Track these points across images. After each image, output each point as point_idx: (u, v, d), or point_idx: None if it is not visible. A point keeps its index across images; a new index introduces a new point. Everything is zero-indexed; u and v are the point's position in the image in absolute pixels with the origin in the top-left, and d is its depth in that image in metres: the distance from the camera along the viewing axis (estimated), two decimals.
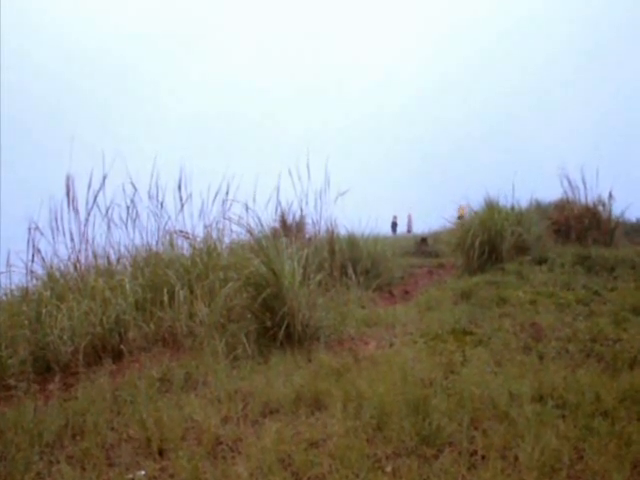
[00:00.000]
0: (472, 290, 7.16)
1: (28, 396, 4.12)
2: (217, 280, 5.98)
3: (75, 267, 6.52)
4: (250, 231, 6.31)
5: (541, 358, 4.25)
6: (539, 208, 12.37)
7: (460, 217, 17.06)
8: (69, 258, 6.56)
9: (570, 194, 11.36)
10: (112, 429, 3.47)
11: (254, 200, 7.67)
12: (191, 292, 5.90)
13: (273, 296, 5.23)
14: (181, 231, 7.22)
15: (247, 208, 6.94)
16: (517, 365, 4.06)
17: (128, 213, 7.04)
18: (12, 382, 4.40)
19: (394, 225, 21.89)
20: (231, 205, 7.38)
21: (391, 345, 5.05)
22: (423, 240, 15.58)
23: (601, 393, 3.32)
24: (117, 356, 5.21)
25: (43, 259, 6.38)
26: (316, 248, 8.23)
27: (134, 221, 7.06)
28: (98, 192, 6.79)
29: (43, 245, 6.40)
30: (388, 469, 2.70)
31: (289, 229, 8.80)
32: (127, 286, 5.82)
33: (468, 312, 6.08)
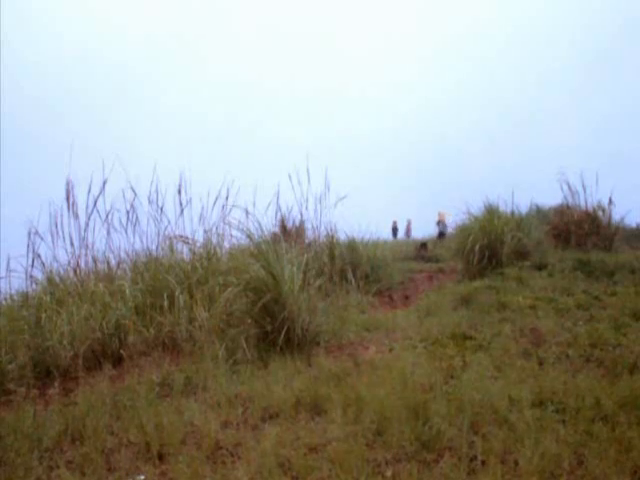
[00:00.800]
0: (472, 295, 7.16)
1: (28, 401, 4.12)
2: (217, 285, 5.99)
3: (75, 272, 6.54)
4: (250, 236, 6.31)
5: (541, 363, 4.25)
6: (539, 213, 12.40)
7: (439, 222, 17.24)
8: (69, 263, 6.59)
9: (570, 199, 11.40)
10: (112, 434, 3.47)
11: (254, 205, 7.71)
12: (191, 297, 5.90)
13: (273, 301, 5.24)
14: (181, 236, 7.24)
15: (247, 213, 6.96)
16: (517, 370, 4.05)
17: (128, 218, 7.08)
18: (12, 387, 4.41)
19: (394, 230, 21.88)
20: (231, 210, 7.42)
21: (391, 350, 5.05)
22: (423, 245, 15.58)
23: (601, 398, 3.32)
24: (117, 361, 5.22)
25: (43, 264, 6.40)
26: (316, 253, 8.26)
27: (134, 226, 7.10)
28: (98, 197, 6.83)
29: (43, 250, 6.44)
30: (388, 474, 2.70)
31: (289, 234, 8.81)
32: (127, 291, 5.83)
33: (468, 317, 6.08)
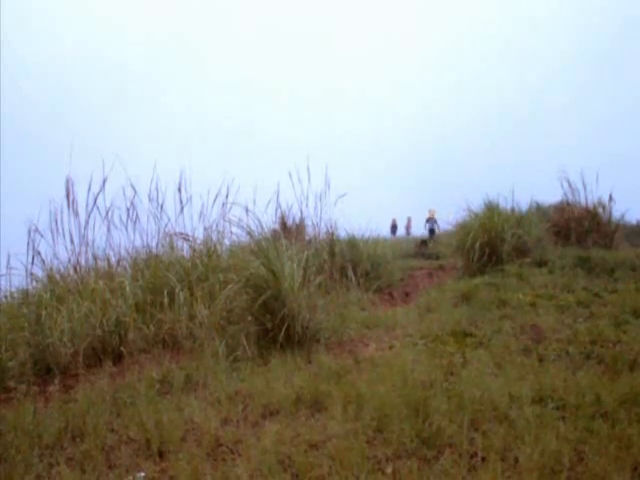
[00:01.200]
0: (472, 292, 7.16)
1: (28, 398, 4.12)
2: (217, 282, 5.98)
3: (75, 269, 6.53)
4: (250, 233, 6.31)
5: (541, 360, 4.25)
6: (539, 210, 12.38)
7: (429, 219, 17.37)
8: (69, 260, 6.57)
9: (570, 196, 11.40)
10: (112, 431, 3.47)
11: (254, 202, 7.70)
12: (191, 294, 5.90)
13: (273, 298, 5.23)
14: (181, 233, 7.23)
15: (247, 210, 6.95)
16: (517, 367, 4.05)
17: (128, 215, 7.06)
18: (12, 384, 4.41)
19: (394, 228, 21.89)
20: (231, 207, 7.40)
21: (391, 347, 5.05)
22: (423, 242, 15.63)
23: (601, 395, 3.32)
24: (117, 358, 5.22)
25: (43, 261, 6.39)
26: (316, 250, 8.25)
27: (134, 223, 7.08)
28: (98, 194, 6.81)
29: (43, 247, 6.41)
30: (388, 471, 2.69)
31: (289, 231, 8.81)
32: (127, 288, 5.83)
33: (468, 314, 6.08)
